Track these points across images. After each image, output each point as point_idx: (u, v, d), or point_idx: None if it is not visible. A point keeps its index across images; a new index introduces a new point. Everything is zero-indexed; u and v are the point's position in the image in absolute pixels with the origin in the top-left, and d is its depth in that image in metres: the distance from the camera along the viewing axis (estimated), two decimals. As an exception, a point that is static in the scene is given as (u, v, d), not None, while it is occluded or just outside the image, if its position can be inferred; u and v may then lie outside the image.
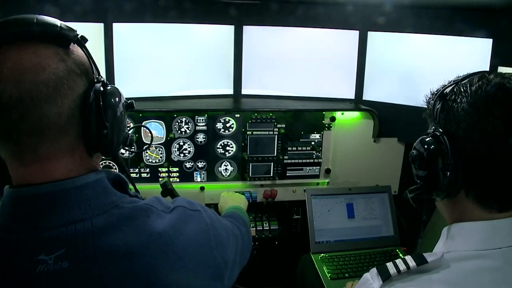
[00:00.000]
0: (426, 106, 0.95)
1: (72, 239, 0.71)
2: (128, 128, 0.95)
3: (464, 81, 0.85)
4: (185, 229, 0.84)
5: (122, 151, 2.08)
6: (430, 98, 0.93)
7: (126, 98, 0.87)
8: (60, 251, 0.70)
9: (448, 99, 0.85)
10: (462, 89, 0.83)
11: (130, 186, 0.94)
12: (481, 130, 0.79)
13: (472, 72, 0.89)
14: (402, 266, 0.85)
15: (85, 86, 0.76)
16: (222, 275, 0.92)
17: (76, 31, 0.78)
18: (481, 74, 0.86)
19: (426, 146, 0.85)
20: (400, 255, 1.95)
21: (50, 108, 0.70)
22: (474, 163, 0.80)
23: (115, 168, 2.11)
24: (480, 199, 0.84)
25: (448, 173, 0.81)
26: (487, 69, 1.91)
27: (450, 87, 0.86)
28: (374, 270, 0.90)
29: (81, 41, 0.78)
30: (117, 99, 0.81)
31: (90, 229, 0.72)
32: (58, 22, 0.76)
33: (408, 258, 0.86)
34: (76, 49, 0.77)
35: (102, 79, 0.80)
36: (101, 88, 0.78)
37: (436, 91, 0.91)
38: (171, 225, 0.82)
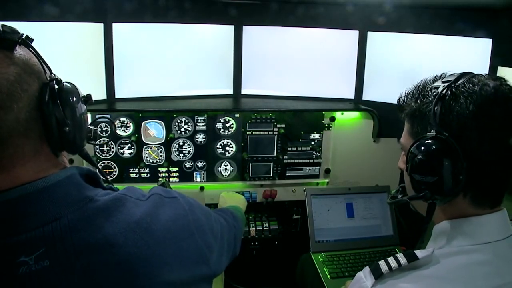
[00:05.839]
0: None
1: (50, 237, 0.71)
2: (89, 122, 0.94)
3: (460, 82, 0.84)
4: (163, 215, 0.84)
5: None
6: (414, 98, 0.91)
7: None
8: (40, 250, 0.70)
9: (448, 101, 0.83)
10: (463, 90, 0.82)
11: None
12: (487, 131, 0.79)
13: (455, 72, 0.89)
14: (393, 264, 0.86)
15: (38, 87, 0.74)
16: (207, 259, 0.91)
17: (20, 32, 0.74)
18: (472, 75, 0.86)
19: (436, 151, 0.81)
20: (399, 254, 1.96)
21: (7, 115, 0.68)
22: (478, 164, 0.80)
23: (115, 168, 2.11)
24: (476, 199, 0.86)
25: (461, 176, 0.80)
26: (487, 69, 1.91)
27: (445, 89, 0.84)
28: (367, 269, 0.91)
29: (27, 42, 0.75)
30: (73, 94, 0.80)
31: (67, 226, 0.72)
32: None
33: (400, 255, 0.87)
34: (23, 50, 0.74)
35: (55, 77, 0.79)
36: (56, 86, 0.77)
37: (423, 90, 0.89)
38: (147, 212, 0.82)
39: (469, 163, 0.80)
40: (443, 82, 0.86)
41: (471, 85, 0.82)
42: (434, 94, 0.85)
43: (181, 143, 2.15)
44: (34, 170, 0.75)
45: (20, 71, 0.71)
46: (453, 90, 0.83)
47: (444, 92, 0.83)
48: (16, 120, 0.70)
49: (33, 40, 0.77)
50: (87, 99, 0.86)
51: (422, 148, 0.83)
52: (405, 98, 0.95)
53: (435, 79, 0.91)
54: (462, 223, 0.86)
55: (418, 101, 0.89)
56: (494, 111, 0.80)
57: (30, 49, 0.76)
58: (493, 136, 0.80)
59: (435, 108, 0.83)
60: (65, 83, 0.80)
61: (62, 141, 0.78)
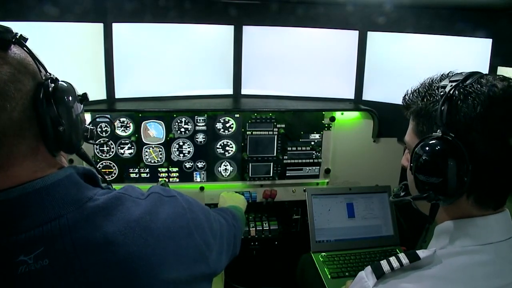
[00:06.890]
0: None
1: (49, 237, 0.71)
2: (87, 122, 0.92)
3: (468, 82, 0.82)
4: (162, 214, 0.84)
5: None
6: (420, 96, 0.90)
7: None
8: (39, 250, 0.70)
9: (455, 101, 0.81)
10: (471, 91, 0.81)
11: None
12: (494, 133, 0.79)
13: (466, 72, 0.87)
14: (395, 263, 0.85)
15: (33, 86, 0.74)
16: (206, 258, 0.91)
17: (14, 32, 0.74)
18: (480, 75, 0.85)
19: (442, 152, 0.79)
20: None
21: (1, 115, 0.68)
22: (483, 166, 0.80)
23: (115, 168, 2.11)
24: (480, 200, 0.85)
25: (466, 178, 0.79)
26: (487, 69, 1.91)
27: (453, 89, 0.82)
28: (368, 268, 0.90)
29: (21, 41, 0.75)
30: (69, 94, 0.79)
31: (66, 225, 0.72)
32: None
33: (402, 255, 0.86)
34: (17, 49, 0.74)
35: (51, 76, 0.78)
36: (51, 85, 0.76)
37: (430, 89, 0.88)
38: (147, 210, 0.82)
39: (474, 165, 0.79)
40: (450, 82, 0.84)
41: (479, 86, 0.81)
42: (441, 93, 0.83)
43: (181, 143, 2.15)
44: (31, 170, 0.75)
45: (13, 71, 0.71)
46: (461, 90, 0.81)
47: (451, 92, 0.82)
48: (9, 119, 0.69)
49: (27, 39, 0.76)
50: (83, 98, 0.85)
51: (428, 148, 0.82)
52: (411, 96, 0.93)
53: (442, 77, 0.89)
54: (466, 224, 0.86)
55: (425, 100, 0.88)
56: (501, 113, 0.79)
57: (25, 48, 0.76)
58: (500, 138, 0.79)
59: (442, 108, 0.81)
60: (60, 82, 0.79)
61: (58, 141, 0.77)
